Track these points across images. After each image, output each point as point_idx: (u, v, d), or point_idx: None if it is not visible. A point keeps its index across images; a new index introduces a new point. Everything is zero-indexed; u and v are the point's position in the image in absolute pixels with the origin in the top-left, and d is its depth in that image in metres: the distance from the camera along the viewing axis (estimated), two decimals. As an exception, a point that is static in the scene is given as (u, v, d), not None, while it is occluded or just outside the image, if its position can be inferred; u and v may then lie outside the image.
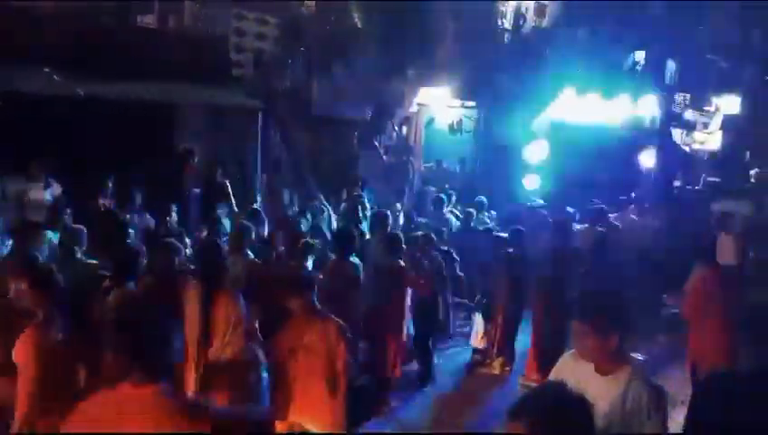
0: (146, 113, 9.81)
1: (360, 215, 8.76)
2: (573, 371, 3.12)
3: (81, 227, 6.02)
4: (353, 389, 5.58)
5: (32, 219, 6.60)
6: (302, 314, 4.53)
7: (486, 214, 10.31)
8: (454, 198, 10.96)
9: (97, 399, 2.67)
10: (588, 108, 15.20)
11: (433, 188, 12.59)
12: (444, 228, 8.78)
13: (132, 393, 2.57)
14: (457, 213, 10.07)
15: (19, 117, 8.51)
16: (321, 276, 5.46)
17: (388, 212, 8.16)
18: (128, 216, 7.30)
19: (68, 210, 6.61)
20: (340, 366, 4.45)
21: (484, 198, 10.61)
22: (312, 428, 4.50)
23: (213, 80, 10.60)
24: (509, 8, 15.66)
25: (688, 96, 17.39)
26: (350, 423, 5.81)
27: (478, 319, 7.66)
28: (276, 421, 4.47)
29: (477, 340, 7.65)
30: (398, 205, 10.76)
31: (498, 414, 6.21)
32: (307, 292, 4.54)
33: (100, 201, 8.37)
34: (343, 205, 9.80)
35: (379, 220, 7.82)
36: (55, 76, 8.90)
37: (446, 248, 7.94)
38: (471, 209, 9.80)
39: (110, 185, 8.83)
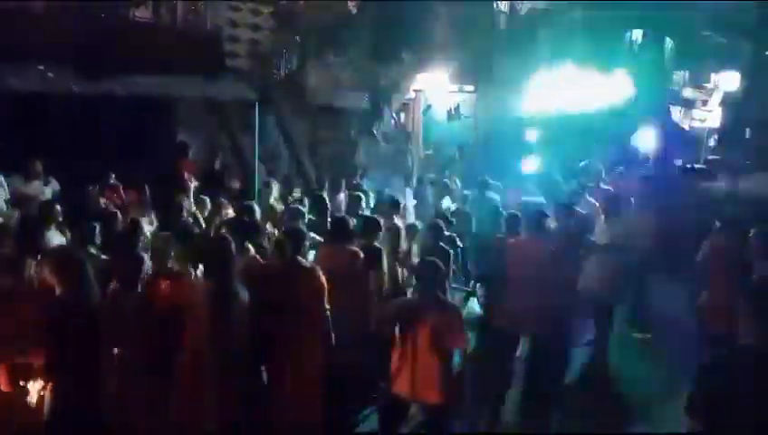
0: (141, 107, 9.79)
1: (363, 203, 8.71)
2: None
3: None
4: (351, 374, 5.62)
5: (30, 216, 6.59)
6: (423, 295, 4.93)
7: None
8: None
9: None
10: (586, 90, 15.12)
11: (432, 175, 12.54)
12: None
13: None
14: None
15: (13, 115, 8.48)
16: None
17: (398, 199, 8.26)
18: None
19: (58, 208, 6.57)
20: (457, 343, 4.83)
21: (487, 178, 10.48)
22: (420, 396, 4.82)
23: (208, 71, 10.55)
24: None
25: (687, 73, 17.32)
26: (346, 408, 5.88)
27: (474, 305, 7.56)
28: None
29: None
30: (408, 190, 10.71)
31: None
32: (435, 277, 4.95)
33: (102, 200, 8.33)
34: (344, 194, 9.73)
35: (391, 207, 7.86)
36: (49, 73, 8.85)
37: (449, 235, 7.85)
38: (467, 192, 9.75)
39: (112, 180, 8.81)
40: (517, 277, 6.22)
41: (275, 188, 9.00)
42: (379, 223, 6.75)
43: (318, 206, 8.04)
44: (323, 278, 5.26)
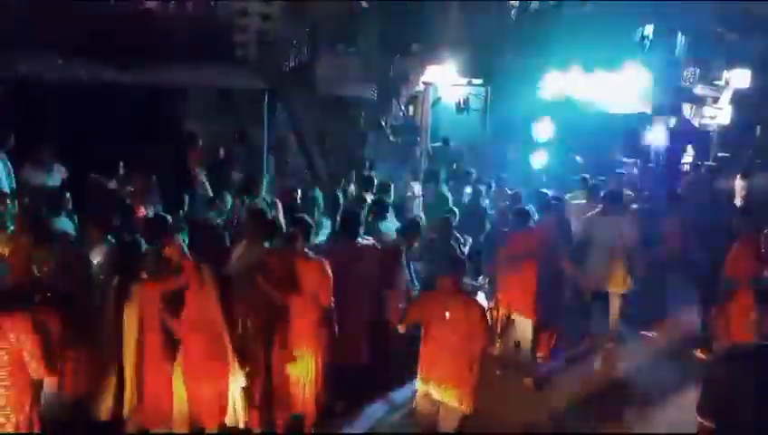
0: (150, 96, 9.79)
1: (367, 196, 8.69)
2: None
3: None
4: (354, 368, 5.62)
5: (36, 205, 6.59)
6: (449, 290, 4.80)
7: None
8: (474, 176, 10.85)
9: None
10: (596, 84, 15.04)
11: (440, 168, 12.48)
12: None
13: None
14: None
15: (23, 101, 8.48)
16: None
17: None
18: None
19: (68, 195, 6.56)
20: (477, 345, 4.72)
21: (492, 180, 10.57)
22: (441, 395, 4.78)
23: (218, 61, 10.53)
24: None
25: (698, 70, 17.18)
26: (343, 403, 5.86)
27: (482, 299, 7.53)
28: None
29: None
30: (414, 185, 10.67)
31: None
32: (460, 273, 4.90)
33: (110, 186, 8.33)
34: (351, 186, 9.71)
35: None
36: (59, 60, 8.85)
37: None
38: (481, 187, 9.73)
39: (122, 169, 8.79)
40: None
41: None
42: (418, 224, 6.79)
43: (331, 203, 8.05)
44: (329, 271, 5.25)
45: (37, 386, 4.00)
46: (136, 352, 4.72)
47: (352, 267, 5.76)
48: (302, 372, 5.23)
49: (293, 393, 5.25)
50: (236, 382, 4.75)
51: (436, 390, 4.81)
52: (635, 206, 8.59)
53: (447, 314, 4.73)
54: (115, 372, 4.76)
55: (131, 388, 4.75)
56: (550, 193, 8.33)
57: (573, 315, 7.76)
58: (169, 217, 5.80)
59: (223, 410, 4.83)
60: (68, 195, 6.54)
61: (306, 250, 5.37)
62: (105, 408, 4.80)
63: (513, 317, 7.05)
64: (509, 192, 9.51)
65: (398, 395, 6.19)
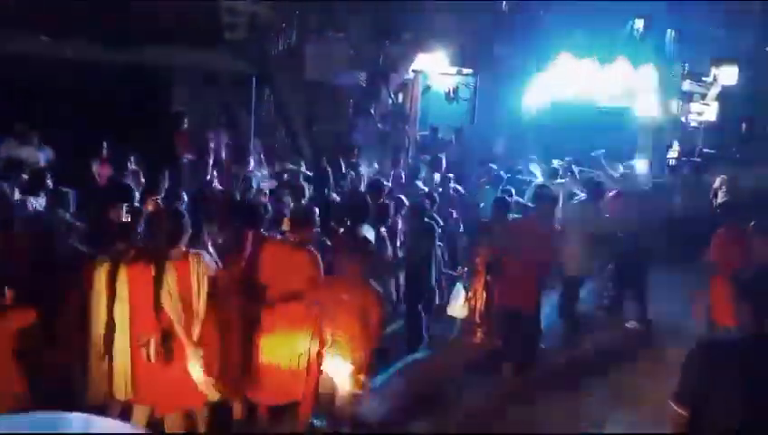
0: (138, 77, 9.71)
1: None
2: None
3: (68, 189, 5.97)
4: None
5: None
6: (350, 276, 4.84)
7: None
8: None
9: None
10: (585, 80, 15.10)
11: (428, 157, 12.47)
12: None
13: None
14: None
15: (9, 79, 8.39)
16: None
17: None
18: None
19: (49, 175, 6.48)
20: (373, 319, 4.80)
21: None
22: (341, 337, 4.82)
23: (206, 43, 10.45)
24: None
25: (686, 66, 17.23)
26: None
27: (460, 289, 7.53)
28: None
29: (458, 310, 7.53)
30: (399, 172, 10.65)
31: (475, 385, 6.33)
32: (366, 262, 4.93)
33: (94, 167, 8.27)
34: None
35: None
36: (43, 37, 8.75)
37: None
38: (450, 175, 9.74)
39: (105, 150, 8.71)
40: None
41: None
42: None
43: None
44: (318, 261, 5.12)
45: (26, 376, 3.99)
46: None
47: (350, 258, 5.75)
48: (287, 358, 5.15)
49: (277, 379, 5.18)
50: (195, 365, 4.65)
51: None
52: (612, 193, 8.63)
53: (344, 297, 4.76)
54: (102, 355, 4.63)
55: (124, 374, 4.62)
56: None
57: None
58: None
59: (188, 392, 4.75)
60: (49, 175, 6.47)
61: (291, 238, 5.28)
62: (91, 395, 4.68)
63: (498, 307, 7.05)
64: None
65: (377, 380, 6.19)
